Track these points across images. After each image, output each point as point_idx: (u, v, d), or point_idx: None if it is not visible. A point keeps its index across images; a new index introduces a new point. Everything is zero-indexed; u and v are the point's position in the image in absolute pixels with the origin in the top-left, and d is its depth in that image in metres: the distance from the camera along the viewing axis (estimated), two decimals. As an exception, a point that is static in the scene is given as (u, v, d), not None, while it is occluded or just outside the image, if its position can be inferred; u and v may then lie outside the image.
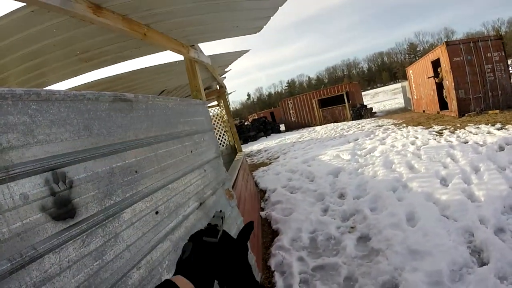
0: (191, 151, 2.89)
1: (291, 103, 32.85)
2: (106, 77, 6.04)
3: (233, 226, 3.39)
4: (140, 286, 1.72)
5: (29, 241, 1.24)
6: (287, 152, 16.37)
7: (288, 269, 4.55)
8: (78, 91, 1.65)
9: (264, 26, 4.67)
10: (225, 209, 3.30)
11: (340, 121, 28.56)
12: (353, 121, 26.19)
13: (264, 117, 37.05)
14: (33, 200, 1.29)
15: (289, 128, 33.09)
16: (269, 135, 31.43)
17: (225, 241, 1.09)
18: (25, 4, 2.65)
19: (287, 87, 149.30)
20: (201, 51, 5.27)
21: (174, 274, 0.99)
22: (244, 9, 3.97)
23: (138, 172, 1.97)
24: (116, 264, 1.60)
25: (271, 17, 4.40)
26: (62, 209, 1.39)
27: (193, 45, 4.85)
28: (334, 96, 30.08)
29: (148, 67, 5.94)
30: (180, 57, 4.83)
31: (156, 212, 2.05)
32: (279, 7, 4.02)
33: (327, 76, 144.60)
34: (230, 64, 8.22)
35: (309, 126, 30.99)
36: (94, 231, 1.52)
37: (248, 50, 7.15)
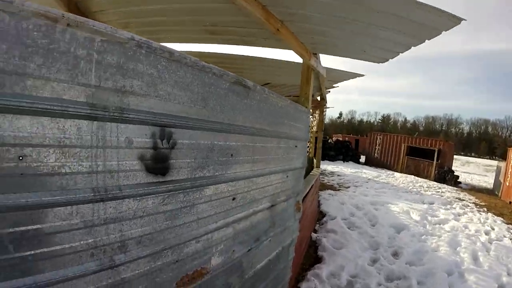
0: (283, 154, 2.90)
1: (380, 138, 31.55)
2: (219, 53, 6.26)
3: (288, 238, 3.36)
4: (191, 257, 1.76)
5: (118, 181, 1.32)
6: (359, 186, 15.84)
7: (316, 300, 4.42)
8: (207, 63, 1.72)
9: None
10: (289, 220, 3.29)
11: (421, 177, 26.82)
12: (434, 183, 24.44)
13: (349, 141, 36.09)
14: (135, 147, 1.37)
15: (368, 162, 31.83)
16: (347, 161, 30.52)
17: None
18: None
19: (380, 121, 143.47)
20: (319, 61, 5.25)
21: None
22: (378, 37, 3.86)
23: (233, 156, 2.01)
24: (181, 230, 1.65)
25: (400, 53, 4.29)
26: (158, 164, 1.45)
27: (315, 54, 4.84)
28: (425, 149, 28.27)
29: (262, 57, 6.06)
30: (293, 58, 4.86)
31: (233, 199, 2.08)
32: (412, 47, 3.90)
33: (423, 124, 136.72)
34: (340, 81, 8.11)
35: (389, 168, 29.51)
36: (176, 194, 1.57)
37: (362, 75, 7.01)
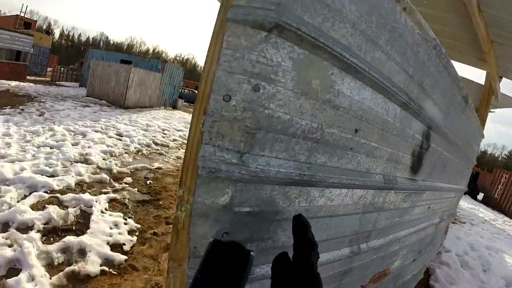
0: (459, 174, 2.79)
1: (505, 177, 28.04)
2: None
3: (429, 259, 3.25)
4: (388, 256, 1.77)
5: (396, 172, 1.34)
6: (475, 225, 14.40)
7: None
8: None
9: None
10: (438, 241, 3.18)
11: (542, 236, 23.70)
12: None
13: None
14: (413, 143, 1.40)
15: (486, 202, 28.58)
16: (465, 194, 28.06)
17: None
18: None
19: (506, 156, 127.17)
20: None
21: None
22: None
23: (445, 167, 1.99)
24: (398, 228, 1.67)
25: None
26: (417, 162, 1.48)
27: (501, 77, 4.49)
28: (554, 204, 24.80)
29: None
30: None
31: (428, 207, 2.07)
32: None
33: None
34: (501, 107, 7.30)
35: (507, 214, 26.62)
36: (411, 194, 1.59)
37: None
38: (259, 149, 0.86)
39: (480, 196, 30.12)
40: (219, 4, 0.88)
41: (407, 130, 1.29)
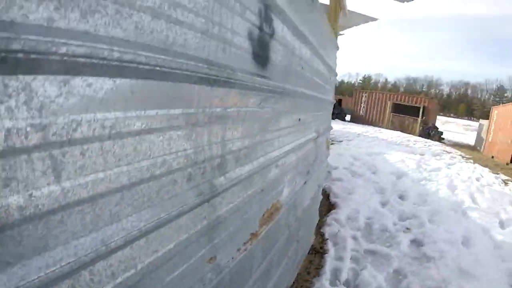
0: (325, 82, 2.58)
1: (365, 96, 31.07)
2: None
3: (322, 177, 3.13)
4: (272, 186, 1.45)
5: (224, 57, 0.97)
6: (351, 140, 15.69)
7: (342, 242, 4.26)
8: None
9: None
10: (324, 156, 3.03)
11: (406, 133, 26.79)
12: (420, 138, 24.33)
13: (336, 100, 35.67)
14: (247, 17, 1.04)
15: (354, 120, 31.63)
16: (334, 119, 30.35)
17: None
18: None
19: (361, 81, 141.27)
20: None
21: None
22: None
23: (303, 70, 1.68)
24: (268, 149, 1.34)
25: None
26: (260, 51, 1.11)
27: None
28: (409, 106, 27.82)
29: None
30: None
31: (299, 119, 1.77)
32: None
33: (404, 85, 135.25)
34: (349, 27, 7.28)
35: (374, 125, 29.57)
36: (268, 98, 1.24)
37: (376, 19, 6.17)
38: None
39: (348, 117, 32.97)
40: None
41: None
